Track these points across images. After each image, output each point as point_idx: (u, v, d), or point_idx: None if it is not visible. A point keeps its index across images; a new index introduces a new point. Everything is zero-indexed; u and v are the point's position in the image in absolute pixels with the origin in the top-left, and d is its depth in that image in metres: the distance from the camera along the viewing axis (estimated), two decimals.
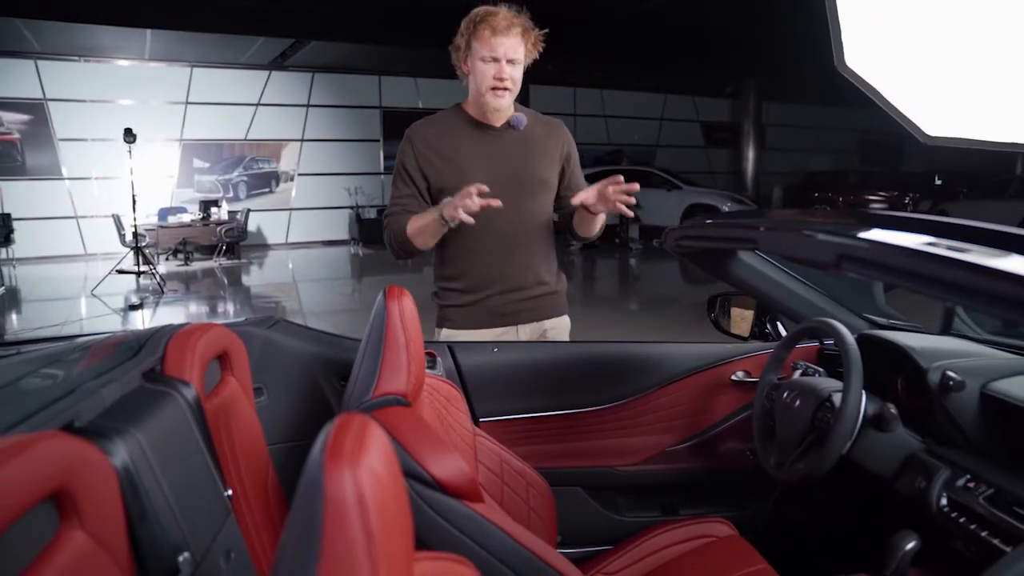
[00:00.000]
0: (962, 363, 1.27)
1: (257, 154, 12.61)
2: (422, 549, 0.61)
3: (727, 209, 11.31)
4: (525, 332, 1.80)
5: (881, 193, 13.07)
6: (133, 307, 7.11)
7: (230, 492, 0.99)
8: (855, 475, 1.33)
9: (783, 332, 1.78)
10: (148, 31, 9.68)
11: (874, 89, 1.84)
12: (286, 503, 1.16)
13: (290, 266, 10.81)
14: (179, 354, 0.98)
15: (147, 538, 0.75)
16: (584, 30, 9.86)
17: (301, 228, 12.89)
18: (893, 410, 1.24)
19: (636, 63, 12.36)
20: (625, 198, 1.61)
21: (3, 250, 10.43)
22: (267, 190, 12.72)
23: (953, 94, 1.73)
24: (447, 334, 1.78)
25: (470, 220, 1.56)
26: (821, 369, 1.54)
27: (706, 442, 1.70)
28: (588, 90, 14.72)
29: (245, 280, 9.58)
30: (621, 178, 1.60)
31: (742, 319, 1.84)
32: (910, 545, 1.08)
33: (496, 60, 1.66)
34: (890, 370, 1.40)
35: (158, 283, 8.02)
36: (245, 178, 12.52)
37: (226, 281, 9.21)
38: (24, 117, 10.85)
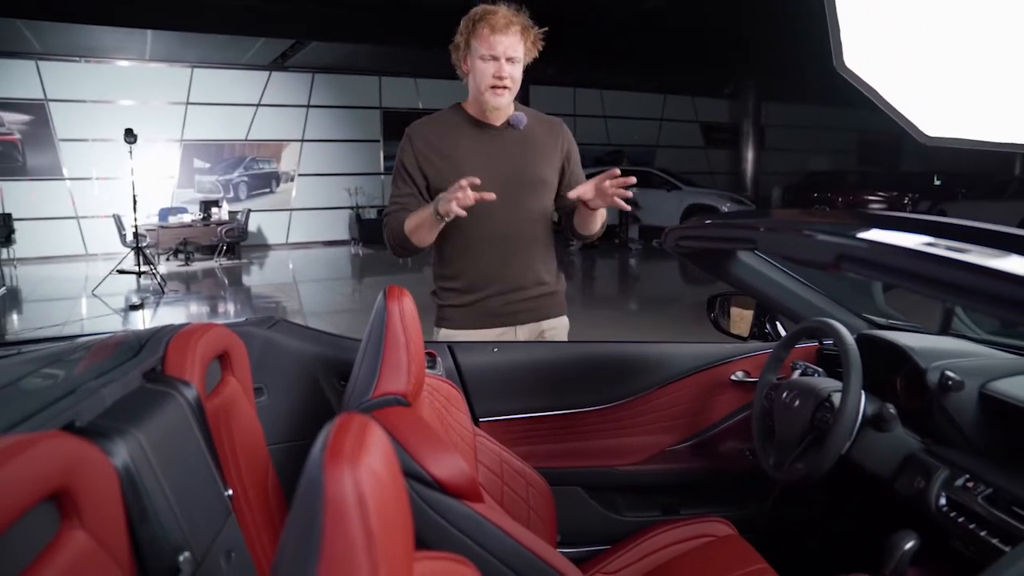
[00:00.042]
0: (961, 363, 1.27)
1: (258, 154, 12.61)
2: (422, 549, 0.61)
3: (726, 209, 11.31)
4: (523, 333, 1.80)
5: (880, 193, 13.07)
6: (134, 307, 7.11)
7: (230, 492, 0.99)
8: (854, 475, 1.33)
9: (782, 332, 1.78)
10: (149, 32, 9.69)
11: (873, 89, 1.84)
12: (286, 503, 1.16)
13: (290, 266, 10.81)
14: (180, 354, 0.99)
15: (148, 538, 0.75)
16: (584, 30, 9.86)
17: (301, 228, 12.90)
18: (892, 410, 1.24)
19: (636, 63, 12.37)
20: (622, 192, 1.61)
21: (4, 250, 10.42)
22: (267, 190, 12.72)
23: (952, 94, 1.73)
24: (445, 334, 1.78)
25: (462, 213, 1.55)
26: (820, 369, 1.54)
27: (706, 442, 1.70)
28: (588, 90, 14.72)
29: (245, 280, 9.59)
30: (617, 171, 1.61)
31: (741, 319, 1.84)
32: (909, 545, 1.08)
33: (495, 58, 1.65)
34: (889, 370, 1.40)
35: (159, 283, 8.02)
36: (246, 178, 12.52)
37: (226, 281, 9.22)
38: (25, 117, 10.85)
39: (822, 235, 1.13)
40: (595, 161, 13.06)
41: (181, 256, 10.30)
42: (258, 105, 12.40)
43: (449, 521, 0.94)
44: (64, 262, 10.60)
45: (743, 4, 9.31)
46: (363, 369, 1.08)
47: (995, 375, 1.24)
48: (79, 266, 10.20)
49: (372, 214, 12.51)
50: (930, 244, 0.92)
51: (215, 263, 10.41)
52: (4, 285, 8.42)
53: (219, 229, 10.33)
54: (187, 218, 10.45)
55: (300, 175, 12.87)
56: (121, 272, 8.15)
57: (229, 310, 7.50)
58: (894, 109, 1.82)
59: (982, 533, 1.06)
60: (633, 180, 1.61)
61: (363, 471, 0.46)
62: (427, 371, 1.28)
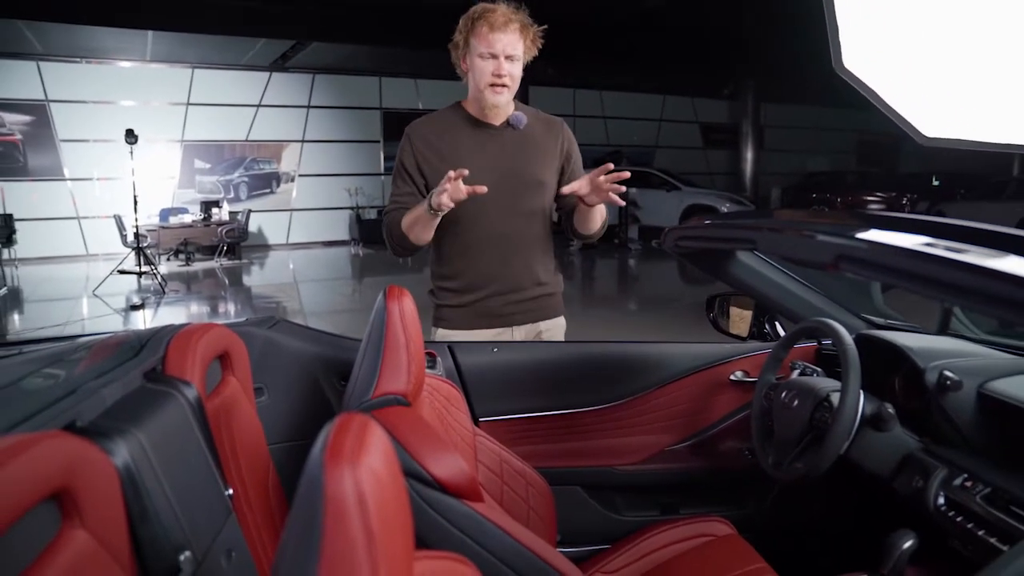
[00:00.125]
0: (959, 363, 1.27)
1: (258, 155, 12.62)
2: (422, 548, 0.61)
3: (725, 210, 11.31)
4: (520, 333, 1.79)
5: (879, 194, 13.08)
6: (134, 307, 7.12)
7: (231, 491, 1.00)
8: (853, 474, 1.33)
9: (781, 332, 1.78)
10: (150, 33, 9.69)
11: (872, 90, 1.84)
12: (287, 502, 1.17)
13: (291, 266, 10.82)
14: (180, 354, 0.99)
15: (148, 537, 0.75)
16: (584, 30, 9.86)
17: (302, 229, 12.90)
18: (891, 410, 1.25)
19: (636, 64, 12.36)
20: (616, 187, 1.61)
21: (5, 251, 10.43)
22: (268, 191, 12.72)
23: (951, 95, 1.73)
24: (443, 334, 1.78)
25: (450, 204, 1.56)
26: (819, 369, 1.54)
27: (705, 442, 1.70)
28: (587, 91, 14.72)
29: (246, 280, 9.59)
30: (611, 165, 1.60)
31: (741, 319, 1.84)
32: (907, 544, 1.08)
33: (494, 56, 1.65)
34: (888, 370, 1.41)
35: (159, 283, 8.03)
36: (246, 179, 12.53)
37: (227, 281, 9.22)
38: (26, 118, 10.85)
39: (821, 235, 1.13)
40: (594, 162, 12.98)
41: (182, 256, 10.31)
42: (259, 106, 12.41)
43: (449, 521, 0.94)
44: (65, 262, 10.61)
45: (743, 4, 9.31)
46: (363, 369, 1.09)
47: (993, 375, 1.24)
48: (80, 266, 10.21)
49: (372, 214, 12.51)
50: (928, 244, 0.92)
51: (215, 263, 10.41)
52: (5, 285, 8.43)
53: (220, 229, 10.33)
54: (188, 218, 10.46)
55: (300, 175, 12.87)
56: (122, 272, 8.15)
57: (230, 310, 7.50)
58: (893, 110, 1.82)
59: (980, 532, 1.06)
60: (627, 175, 1.61)
61: (363, 471, 0.46)
62: (427, 371, 1.29)
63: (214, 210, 10.60)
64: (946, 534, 1.14)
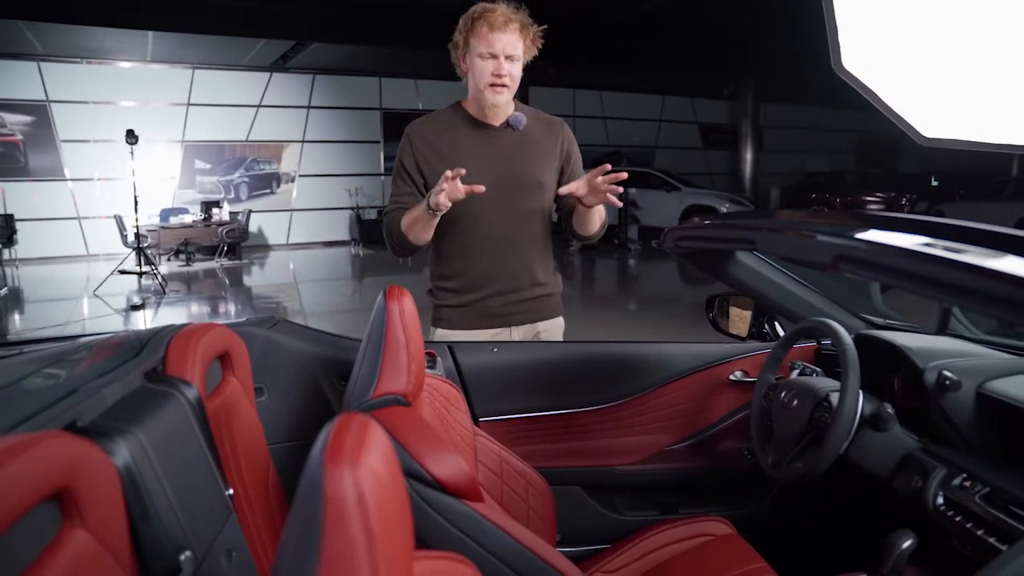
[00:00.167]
0: (958, 363, 1.27)
1: (258, 155, 12.62)
2: (422, 548, 0.61)
3: (725, 210, 11.31)
4: (519, 333, 1.79)
5: (878, 194, 13.09)
6: (135, 307, 7.12)
7: (231, 491, 1.00)
8: (852, 474, 1.33)
9: (781, 332, 1.79)
10: (150, 33, 9.70)
11: (871, 91, 1.84)
12: (287, 502, 1.17)
13: (291, 267, 10.82)
14: (181, 354, 0.99)
15: (149, 537, 0.76)
16: (584, 31, 9.86)
17: (302, 229, 12.90)
18: (890, 410, 1.25)
19: (636, 64, 12.36)
20: (614, 188, 1.60)
21: (6, 251, 10.43)
22: (268, 191, 12.73)
23: (950, 96, 1.73)
24: (441, 334, 1.78)
25: (448, 204, 1.57)
26: (818, 369, 1.54)
27: (704, 441, 1.70)
28: (587, 92, 14.73)
29: (246, 280, 9.59)
30: (608, 166, 1.60)
31: (740, 319, 1.84)
32: (907, 544, 1.08)
33: (494, 56, 1.64)
34: (887, 370, 1.41)
35: (160, 283, 8.03)
36: (246, 179, 12.53)
37: (227, 282, 9.22)
38: (27, 118, 10.86)
39: (820, 236, 1.14)
40: (594, 163, 12.99)
41: (182, 256, 10.32)
42: (259, 106, 12.41)
43: (449, 520, 0.95)
44: (66, 262, 10.61)
45: (743, 5, 9.32)
46: (363, 369, 1.09)
47: (992, 375, 1.24)
48: (81, 266, 10.21)
49: (372, 215, 12.51)
50: (927, 245, 0.92)
51: (216, 263, 10.41)
52: (6, 285, 8.44)
53: (220, 230, 10.34)
54: (188, 219, 10.46)
55: (301, 176, 12.87)
56: (123, 272, 8.16)
57: (230, 310, 7.50)
58: (892, 110, 1.82)
59: (979, 532, 1.06)
60: (624, 176, 1.61)
61: (363, 471, 0.46)
62: (427, 371, 1.29)
63: (214, 210, 10.61)
64: (945, 534, 1.14)
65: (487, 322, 1.77)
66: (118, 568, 0.68)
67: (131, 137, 7.97)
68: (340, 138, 13.06)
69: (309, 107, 12.77)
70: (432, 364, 1.48)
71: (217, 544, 0.88)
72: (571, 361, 1.70)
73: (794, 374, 1.53)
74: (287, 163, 12.81)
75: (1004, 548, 1.01)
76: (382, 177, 13.07)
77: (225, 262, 10.54)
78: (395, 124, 12.49)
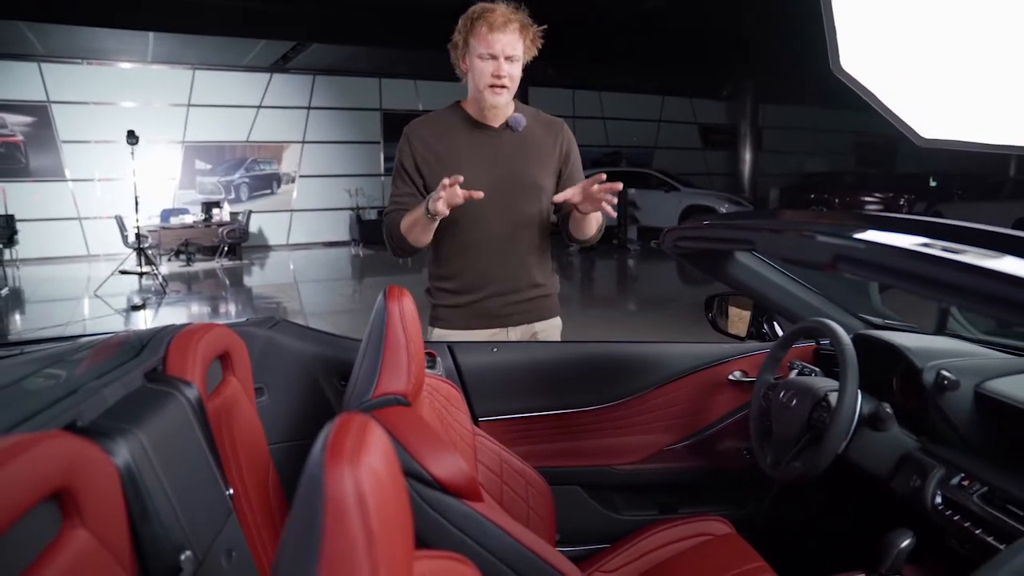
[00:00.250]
0: (957, 363, 1.27)
1: (259, 156, 12.62)
2: (422, 548, 0.61)
3: (724, 210, 11.31)
4: (516, 334, 1.79)
5: (877, 194, 13.09)
6: (135, 307, 7.13)
7: (231, 491, 1.00)
8: (851, 474, 1.33)
9: (780, 332, 1.79)
10: (151, 34, 9.70)
11: (869, 92, 1.84)
12: (287, 502, 1.17)
13: (291, 267, 10.82)
14: (181, 354, 0.99)
15: (149, 537, 0.76)
16: (583, 31, 9.86)
17: (302, 229, 12.90)
18: (888, 409, 1.25)
19: (635, 64, 12.36)
20: (609, 197, 1.60)
21: (7, 251, 10.43)
22: (268, 191, 12.73)
23: (947, 96, 1.74)
24: (439, 334, 1.78)
25: (446, 211, 1.56)
26: (817, 369, 1.55)
27: (703, 441, 1.71)
28: (587, 92, 14.73)
29: (247, 281, 9.60)
30: (604, 176, 1.59)
31: (739, 319, 1.85)
32: (905, 543, 1.09)
33: (494, 57, 1.64)
34: (885, 370, 1.41)
35: (160, 284, 8.04)
36: (247, 180, 12.53)
37: (228, 282, 9.23)
38: (28, 119, 10.86)
39: (819, 236, 1.14)
40: (593, 163, 13.07)
41: (183, 257, 10.32)
42: (259, 107, 12.41)
43: (449, 520, 0.95)
44: (66, 263, 10.61)
45: (742, 5, 9.32)
46: (363, 369, 1.09)
47: (990, 375, 1.25)
48: (81, 267, 10.21)
49: (372, 215, 12.51)
50: (926, 245, 0.92)
51: (216, 264, 10.41)
52: (7, 286, 8.44)
53: (220, 230, 10.34)
54: (189, 219, 10.47)
55: (301, 176, 12.87)
56: (123, 273, 8.16)
57: (230, 310, 7.51)
58: (890, 111, 1.82)
59: (977, 531, 1.07)
60: (620, 186, 1.60)
61: (363, 471, 0.46)
62: (427, 371, 1.29)
63: (215, 211, 10.61)
64: (943, 533, 1.14)
65: (485, 322, 1.77)
66: (118, 568, 0.68)
67: (132, 138, 7.97)
68: (340, 139, 13.06)
69: (309, 108, 12.77)
70: (432, 364, 1.48)
71: (217, 544, 0.89)
72: (571, 361, 1.71)
73: (793, 374, 1.54)
74: (287, 164, 12.81)
75: (1002, 547, 1.01)
76: (382, 178, 13.07)
77: (225, 262, 10.54)
78: (395, 125, 12.42)
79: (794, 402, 1.39)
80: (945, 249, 0.89)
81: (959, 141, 1.75)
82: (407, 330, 1.09)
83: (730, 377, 1.70)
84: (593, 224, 1.80)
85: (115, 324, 6.56)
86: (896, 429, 1.26)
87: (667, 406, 1.71)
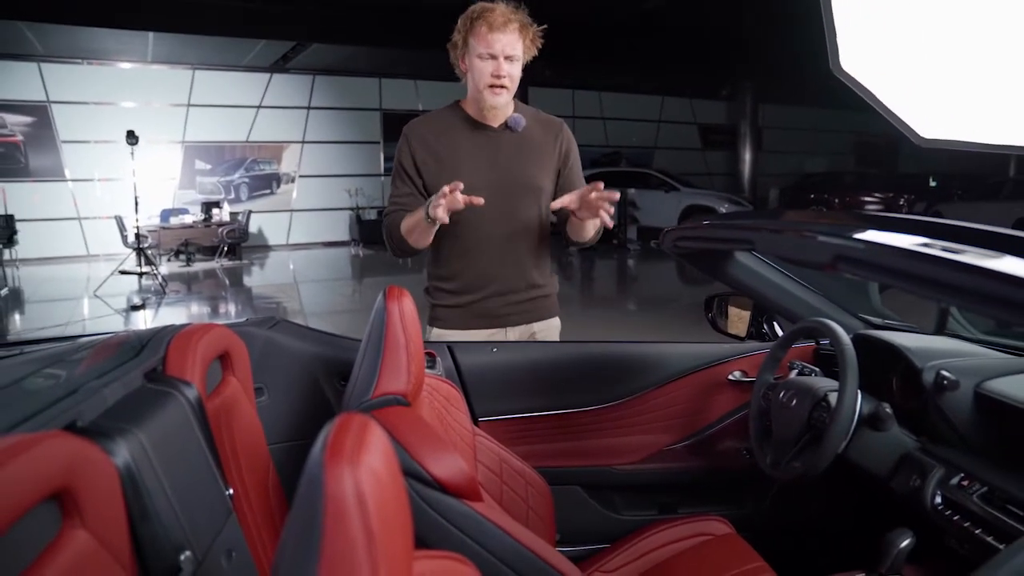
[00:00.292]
0: (956, 363, 1.27)
1: (258, 156, 12.62)
2: (422, 548, 0.61)
3: (724, 210, 11.32)
4: (514, 334, 1.79)
5: (876, 194, 13.10)
6: (135, 308, 7.12)
7: (231, 491, 1.00)
8: (851, 474, 1.34)
9: (779, 332, 1.79)
10: (150, 34, 9.70)
11: (869, 91, 1.85)
12: (287, 502, 1.17)
13: (291, 267, 10.82)
14: (181, 354, 0.99)
15: (149, 537, 0.76)
16: (583, 31, 9.86)
17: (302, 229, 12.91)
18: (888, 409, 1.25)
19: (635, 64, 12.37)
20: (606, 205, 1.59)
21: (6, 251, 10.43)
22: (268, 191, 12.73)
23: (947, 97, 1.74)
24: (437, 333, 1.78)
25: (445, 218, 1.55)
26: (817, 369, 1.55)
27: (703, 441, 1.71)
28: (586, 92, 14.73)
29: (246, 281, 9.60)
30: (601, 184, 1.58)
31: (739, 319, 1.85)
32: (905, 543, 1.09)
33: (493, 57, 1.63)
34: (885, 370, 1.41)
35: (160, 284, 8.04)
36: (247, 180, 12.53)
37: (227, 282, 9.22)
38: (27, 119, 10.86)
39: (819, 236, 1.14)
40: (592, 163, 13.08)
41: (182, 257, 10.32)
42: (259, 107, 12.41)
43: (449, 520, 0.95)
44: (66, 263, 10.61)
45: (742, 5, 9.32)
46: (363, 369, 1.09)
47: (990, 375, 1.25)
48: (81, 267, 10.21)
49: (372, 215, 12.52)
50: (925, 245, 0.92)
51: (216, 264, 10.41)
52: (6, 286, 8.44)
53: (220, 230, 10.34)
54: (188, 219, 10.47)
55: (301, 176, 12.88)
56: (123, 273, 8.16)
57: (230, 310, 7.50)
58: (889, 111, 1.82)
59: (977, 531, 1.07)
60: (616, 196, 1.60)
61: (363, 471, 0.46)
62: (427, 371, 1.29)
63: (215, 211, 10.61)
64: (943, 533, 1.15)
65: (484, 322, 1.77)
66: (118, 568, 0.68)
67: (131, 138, 7.97)
68: (340, 139, 13.06)
69: (309, 108, 12.77)
70: (432, 364, 1.48)
71: (217, 544, 0.89)
72: (570, 361, 1.71)
73: (793, 374, 1.54)
74: (287, 164, 12.81)
75: (1002, 547, 1.01)
76: (382, 178, 13.07)
77: (225, 262, 10.54)
78: (395, 125, 12.41)
79: (794, 402, 1.40)
80: (945, 249, 0.89)
81: (959, 141, 1.75)
82: (407, 330, 1.09)
83: (730, 377, 1.70)
84: (591, 228, 1.79)
85: (115, 324, 6.55)
86: (896, 429, 1.27)
87: (667, 406, 1.71)
